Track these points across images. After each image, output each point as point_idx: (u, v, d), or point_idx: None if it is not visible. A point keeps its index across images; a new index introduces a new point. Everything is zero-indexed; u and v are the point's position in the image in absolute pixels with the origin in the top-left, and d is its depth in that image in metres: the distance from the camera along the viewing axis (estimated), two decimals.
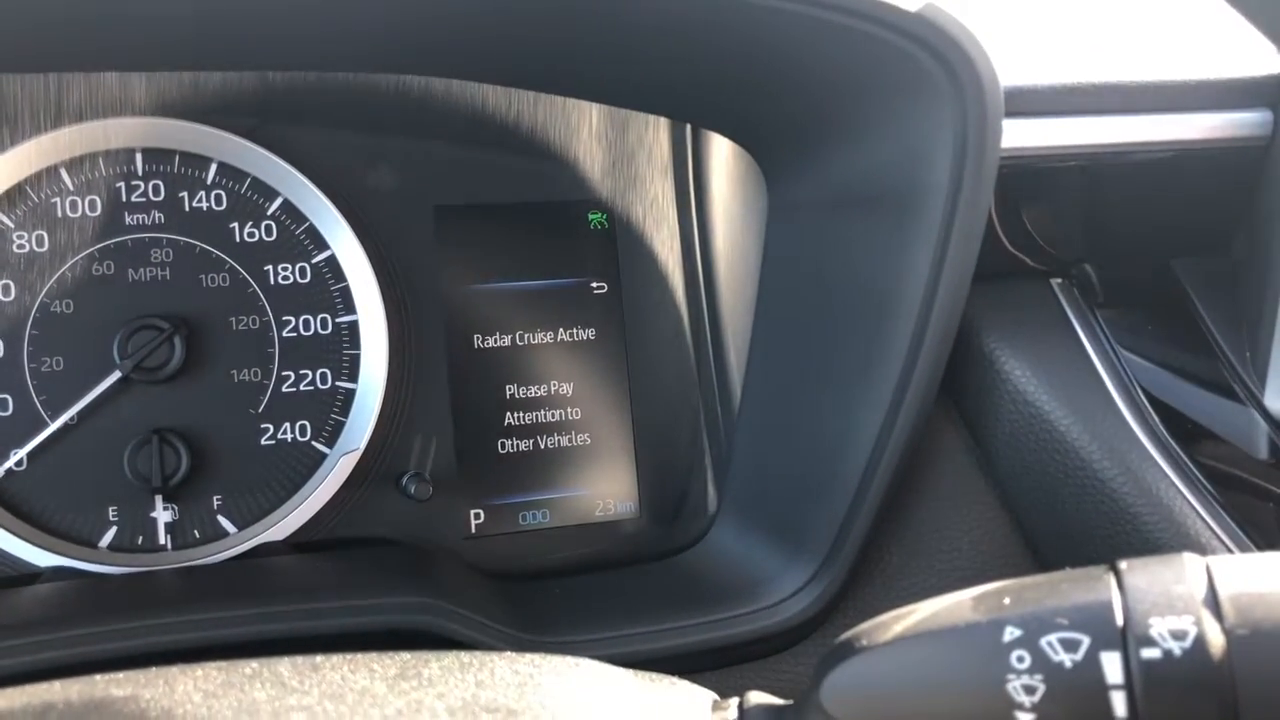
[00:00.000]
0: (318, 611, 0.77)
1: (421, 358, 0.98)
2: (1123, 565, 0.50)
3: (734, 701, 0.55)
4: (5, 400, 0.91)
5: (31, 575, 0.89)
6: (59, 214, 0.92)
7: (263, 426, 0.95)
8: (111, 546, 0.92)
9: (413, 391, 0.98)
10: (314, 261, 0.97)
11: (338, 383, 0.97)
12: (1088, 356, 0.88)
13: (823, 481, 0.87)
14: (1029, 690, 0.47)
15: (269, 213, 0.96)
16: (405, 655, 0.54)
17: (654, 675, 0.57)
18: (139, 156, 0.94)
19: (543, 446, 1.01)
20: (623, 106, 1.00)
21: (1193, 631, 0.46)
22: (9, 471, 0.90)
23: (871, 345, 0.83)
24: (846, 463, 0.84)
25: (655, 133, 1.04)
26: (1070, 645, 0.47)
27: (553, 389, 1.02)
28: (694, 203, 1.04)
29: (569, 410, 1.02)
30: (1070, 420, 0.85)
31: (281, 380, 0.96)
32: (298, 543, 0.94)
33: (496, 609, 0.83)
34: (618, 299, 1.03)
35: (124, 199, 0.93)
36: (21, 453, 0.90)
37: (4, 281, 0.91)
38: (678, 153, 1.04)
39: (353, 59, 0.93)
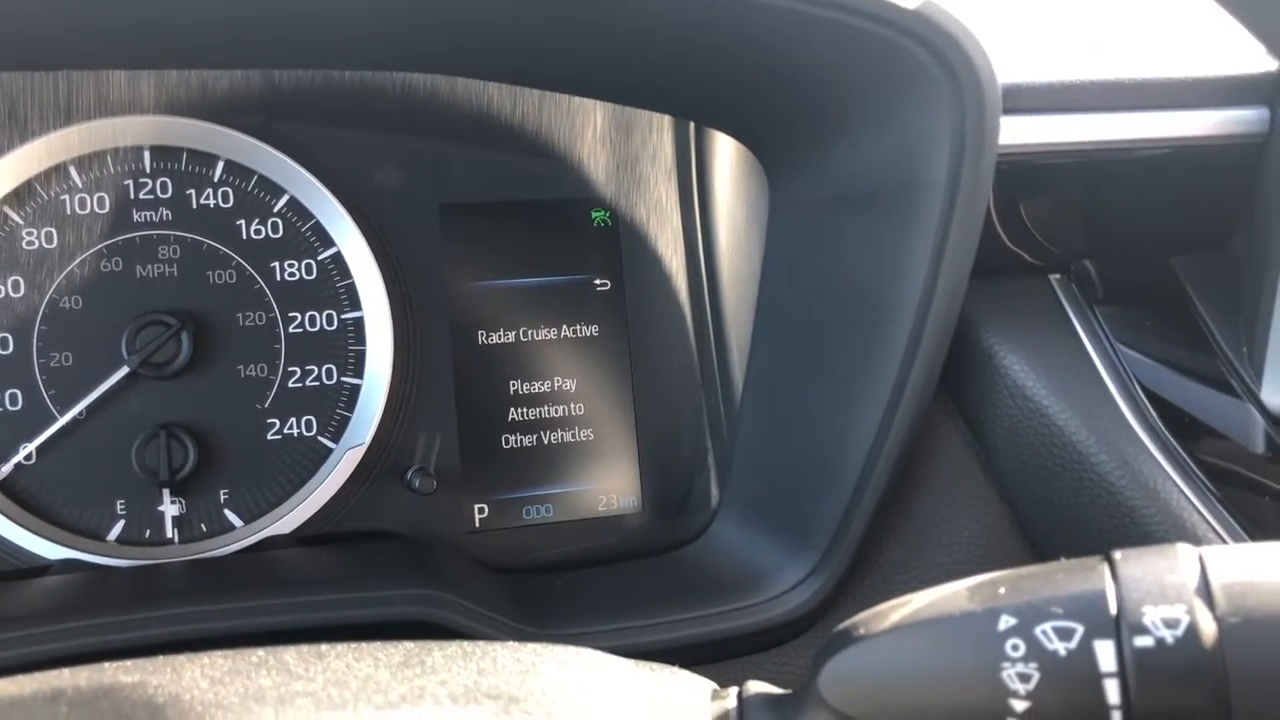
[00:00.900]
0: (322, 603, 0.78)
1: (426, 354, 0.99)
2: (1117, 555, 0.50)
3: (733, 691, 0.55)
4: (15, 395, 0.92)
5: (41, 568, 0.90)
6: (68, 211, 0.93)
7: (269, 421, 0.96)
8: (119, 539, 0.93)
9: (417, 387, 0.99)
10: (320, 258, 0.98)
11: (343, 378, 0.98)
12: (1086, 352, 0.89)
13: (823, 476, 0.87)
14: (1024, 678, 0.47)
15: (276, 210, 0.97)
16: (409, 644, 0.54)
17: (655, 665, 0.57)
18: (147, 154, 0.95)
19: (546, 442, 1.02)
20: (626, 104, 1.01)
21: (1185, 620, 0.47)
22: (18, 465, 0.91)
23: (871, 340, 0.84)
24: (846, 457, 0.85)
25: (660, 134, 1.05)
26: (1064, 634, 0.48)
27: (556, 385, 1.03)
28: (698, 203, 1.05)
29: (572, 406, 1.03)
30: (1068, 415, 0.85)
31: (288, 376, 0.97)
32: (303, 536, 0.95)
33: (500, 601, 0.84)
34: (621, 296, 1.04)
35: (132, 196, 0.94)
36: (31, 447, 0.91)
37: (13, 278, 0.92)
38: (682, 154, 1.05)
39: (359, 58, 0.94)
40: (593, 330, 1.03)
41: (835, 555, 0.85)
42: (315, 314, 0.97)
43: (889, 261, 0.82)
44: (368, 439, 0.96)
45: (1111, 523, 0.82)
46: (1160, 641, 0.46)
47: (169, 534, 0.94)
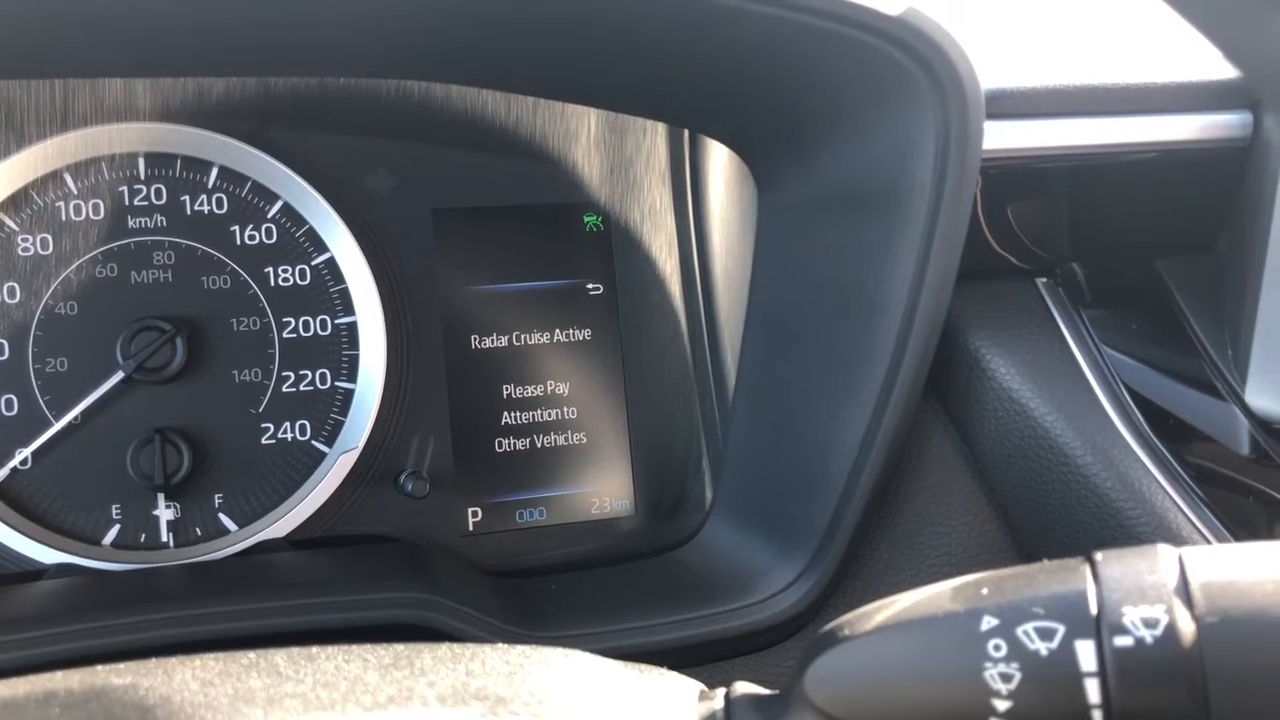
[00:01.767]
0: (316, 606, 0.79)
1: (419, 358, 0.99)
2: (1098, 556, 0.51)
3: (720, 691, 0.56)
4: (10, 400, 0.92)
5: (36, 572, 0.90)
6: (63, 217, 0.94)
7: (263, 426, 0.97)
8: (115, 544, 0.94)
9: (411, 391, 0.99)
10: (313, 264, 0.98)
11: (337, 383, 0.98)
12: (1072, 354, 0.90)
13: (813, 478, 0.88)
14: (1005, 678, 0.48)
15: (269, 216, 0.98)
16: (399, 646, 0.55)
17: (643, 666, 0.58)
18: (141, 161, 0.95)
19: (539, 445, 1.03)
20: (615, 110, 1.02)
21: (1164, 620, 0.47)
22: (14, 470, 0.92)
23: (859, 343, 0.84)
24: (835, 459, 0.85)
25: (653, 138, 1.05)
26: (1046, 634, 0.48)
27: (549, 389, 1.03)
28: (691, 208, 1.05)
29: (565, 410, 1.03)
30: (1054, 417, 0.86)
31: (282, 380, 0.97)
32: (298, 540, 0.96)
33: (492, 604, 0.84)
34: (613, 300, 1.05)
35: (127, 203, 0.95)
36: (26, 452, 0.92)
37: (9, 284, 0.93)
38: (675, 159, 1.06)
39: (353, 66, 0.95)
40: (585, 334, 1.04)
41: (825, 557, 0.85)
42: (309, 319, 0.98)
43: (876, 264, 0.82)
44: (361, 443, 0.96)
45: (1097, 524, 0.83)
46: (1140, 641, 0.47)
47: (164, 538, 0.94)
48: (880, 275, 0.82)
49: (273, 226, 0.98)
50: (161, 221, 0.96)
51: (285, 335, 0.97)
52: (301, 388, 0.97)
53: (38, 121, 0.93)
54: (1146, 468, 0.83)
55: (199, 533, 0.95)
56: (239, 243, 0.97)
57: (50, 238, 0.93)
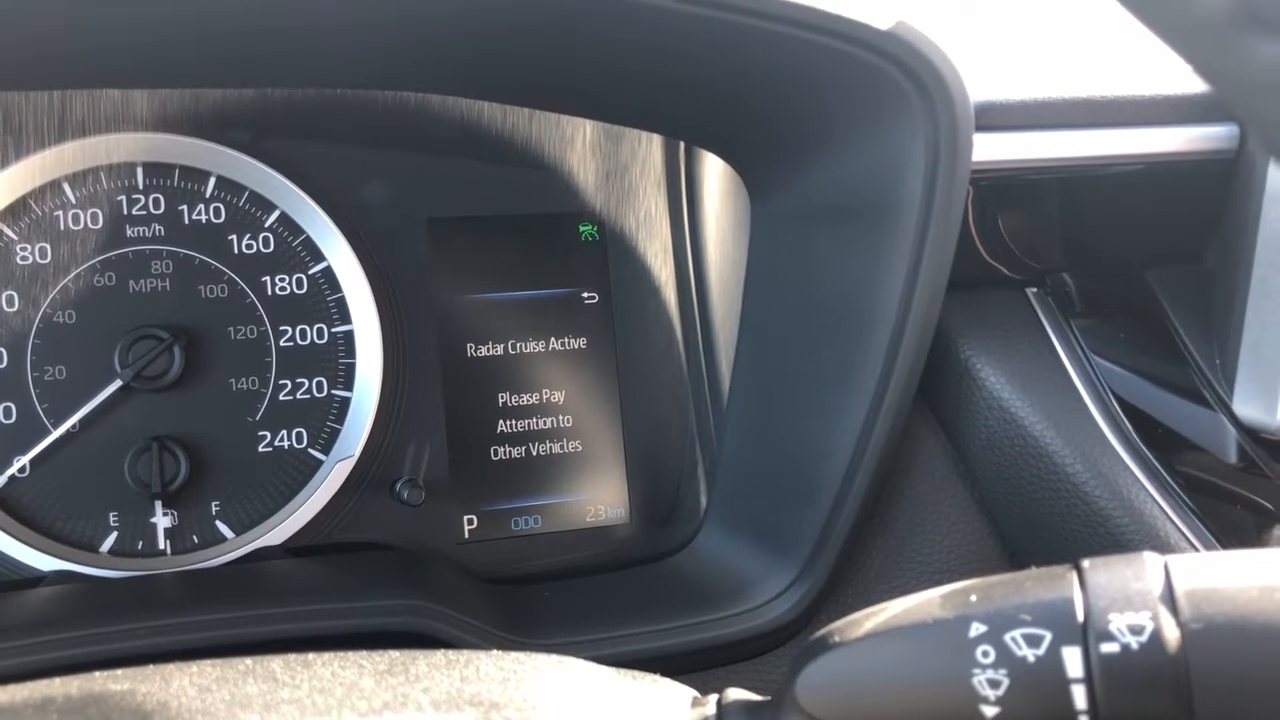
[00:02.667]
0: (312, 614, 0.79)
1: (415, 366, 1.00)
2: (1085, 564, 0.51)
3: (713, 698, 0.56)
4: (9, 408, 0.93)
5: (34, 579, 0.91)
6: (61, 227, 0.94)
7: (260, 434, 0.97)
8: (112, 551, 0.94)
9: (407, 399, 1.00)
10: (310, 273, 0.99)
11: (334, 391, 0.99)
12: (1062, 364, 0.90)
13: (805, 486, 0.89)
14: (993, 684, 0.48)
15: (266, 225, 0.98)
16: (394, 653, 0.55)
17: (636, 673, 0.58)
18: (140, 171, 0.96)
19: (535, 453, 1.03)
20: (609, 121, 1.03)
21: (1149, 626, 0.47)
22: (12, 478, 0.92)
23: (850, 353, 0.85)
24: (827, 468, 0.86)
25: (649, 146, 1.06)
26: (1033, 640, 0.48)
27: (545, 397, 1.04)
28: (686, 216, 1.06)
29: (561, 418, 1.04)
30: (1044, 426, 0.86)
31: (279, 389, 0.98)
32: (294, 547, 0.96)
33: (487, 611, 0.85)
34: (608, 309, 1.05)
35: (125, 212, 0.95)
36: (24, 459, 0.92)
37: (8, 293, 0.93)
38: (671, 167, 1.06)
39: (350, 77, 0.95)
40: (581, 343, 1.05)
41: (817, 565, 0.86)
42: (306, 328, 0.99)
43: (868, 274, 0.83)
44: (358, 451, 0.97)
45: (1087, 532, 0.84)
46: (1125, 647, 0.47)
47: (161, 546, 0.95)
48: (872, 285, 0.83)
49: (270, 236, 0.98)
50: (159, 231, 0.96)
51: (282, 344, 0.98)
52: (298, 396, 0.98)
53: (37, 131, 0.93)
54: (1135, 476, 0.84)
55: (196, 540, 0.96)
56: (236, 252, 0.98)
57: (49, 247, 0.94)
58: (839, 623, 0.54)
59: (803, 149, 0.88)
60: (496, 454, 1.02)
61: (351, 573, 0.92)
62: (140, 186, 0.96)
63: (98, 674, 0.52)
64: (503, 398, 1.03)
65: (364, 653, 0.55)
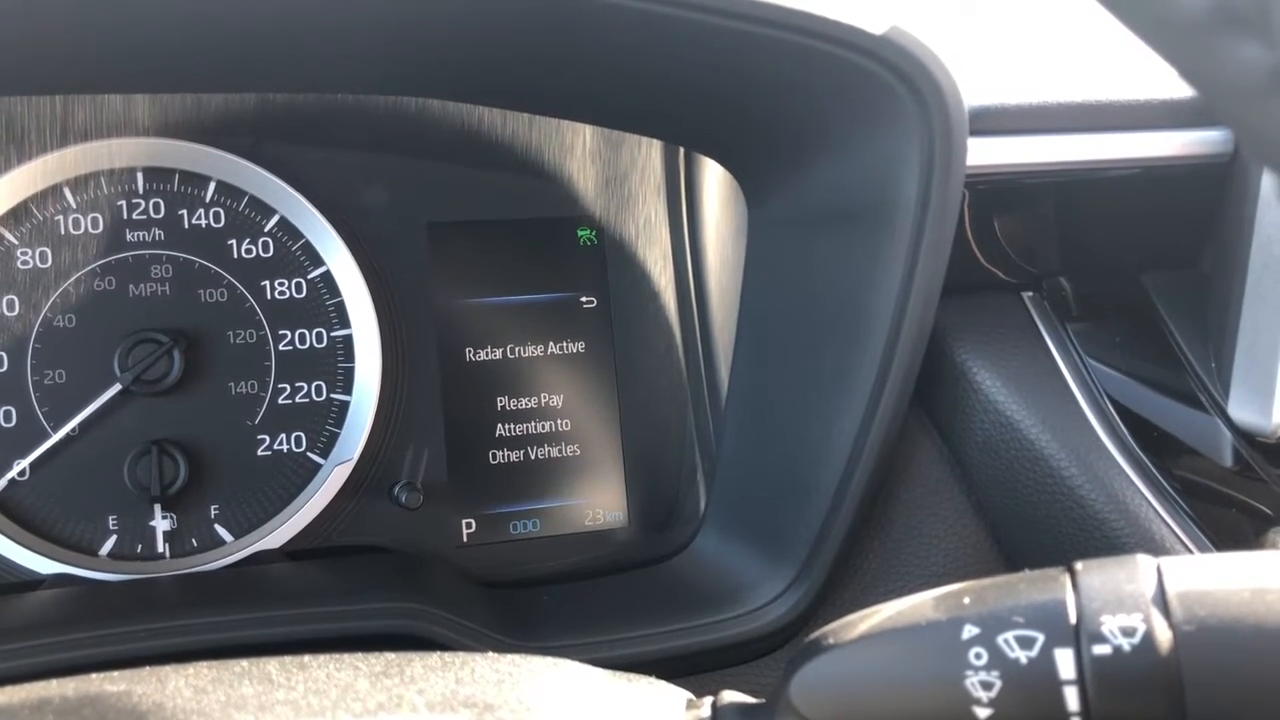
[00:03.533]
0: (310, 617, 0.79)
1: (414, 370, 1.00)
2: (1078, 566, 0.51)
3: (708, 700, 0.56)
4: (9, 412, 0.93)
5: (33, 582, 0.91)
6: (62, 231, 0.95)
7: (259, 437, 0.97)
8: (111, 554, 0.94)
9: (406, 403, 1.00)
10: (310, 277, 0.99)
11: (332, 395, 0.99)
12: (1057, 368, 0.90)
13: (802, 490, 0.89)
14: (986, 686, 0.48)
15: (266, 230, 0.99)
16: (390, 655, 0.55)
17: (631, 675, 0.58)
18: (140, 175, 0.96)
19: (533, 457, 1.03)
20: (605, 126, 1.03)
21: (1142, 628, 0.47)
22: (12, 481, 0.93)
23: (846, 356, 0.85)
24: (824, 471, 0.86)
25: (649, 152, 1.06)
26: (1026, 642, 0.49)
27: (543, 401, 1.04)
28: (686, 222, 1.06)
29: (559, 422, 1.04)
30: (1040, 429, 0.87)
31: (278, 393, 0.98)
32: (293, 551, 0.96)
33: (485, 614, 0.85)
34: (607, 313, 1.05)
35: (125, 217, 0.96)
36: (24, 463, 0.93)
37: (8, 297, 0.93)
38: (670, 172, 1.07)
39: (350, 81, 0.96)
40: (579, 347, 1.05)
41: (814, 568, 0.86)
42: (305, 332, 0.99)
43: (863, 279, 0.83)
44: (356, 455, 0.97)
45: (1082, 535, 0.84)
46: (1118, 649, 0.47)
47: (160, 549, 0.95)
48: (867, 289, 0.83)
49: (269, 240, 0.99)
50: (159, 235, 0.97)
51: (281, 348, 0.98)
52: (297, 400, 0.98)
53: (38, 136, 0.94)
54: (1130, 479, 0.84)
55: (195, 543, 0.96)
56: (236, 256, 0.98)
57: (49, 251, 0.94)
58: (833, 625, 0.54)
59: (798, 153, 0.88)
60: (495, 458, 1.03)
61: (350, 576, 0.92)
62: (140, 191, 0.97)
63: (94, 675, 0.52)
64: (501, 401, 1.03)
65: (360, 655, 0.55)
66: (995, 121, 0.85)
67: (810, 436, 0.89)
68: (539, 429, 1.03)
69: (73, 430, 0.93)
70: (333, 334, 0.99)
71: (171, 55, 0.83)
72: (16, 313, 0.93)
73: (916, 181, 0.77)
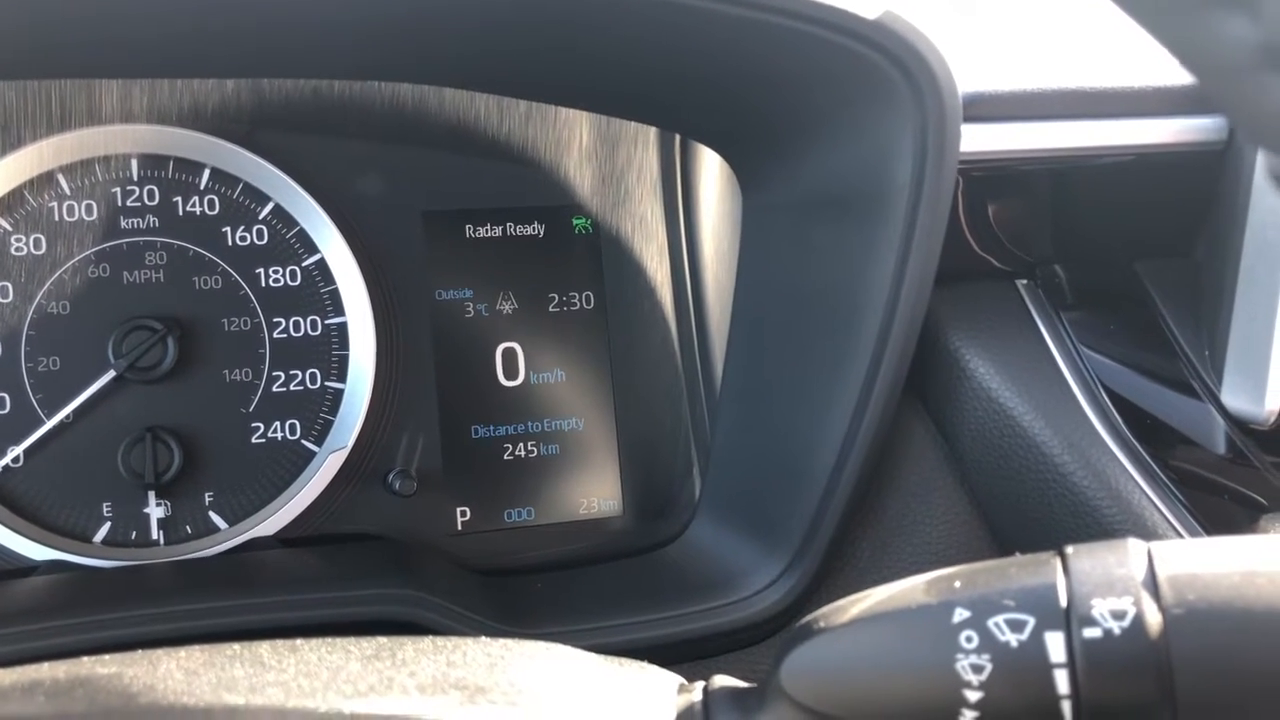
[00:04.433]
0: (304, 603, 0.79)
1: (408, 358, 1.00)
2: (1069, 550, 0.51)
3: (699, 685, 0.56)
4: (3, 399, 0.93)
5: (27, 569, 0.91)
6: (56, 218, 0.95)
7: (253, 425, 0.97)
8: (106, 541, 0.94)
9: (400, 391, 1.00)
10: (304, 265, 0.99)
11: (327, 383, 0.99)
12: (1051, 355, 0.91)
13: (795, 477, 0.89)
14: (977, 669, 0.48)
15: (260, 217, 0.99)
16: (381, 639, 0.55)
17: (623, 660, 0.58)
18: (134, 162, 0.96)
19: (528, 446, 1.03)
20: (600, 112, 1.03)
21: (1132, 611, 0.48)
22: (6, 468, 0.93)
23: (840, 343, 0.85)
24: (817, 458, 0.86)
25: (645, 148, 1.06)
26: (1016, 626, 0.49)
27: (538, 390, 1.04)
28: (683, 218, 1.06)
29: (554, 410, 1.04)
30: (1033, 417, 0.87)
31: (272, 380, 0.98)
32: (287, 538, 0.96)
33: (479, 602, 0.85)
34: (602, 302, 1.05)
35: (119, 203, 0.96)
36: (18, 449, 0.93)
37: (2, 284, 0.93)
38: (667, 168, 1.07)
39: (347, 68, 0.96)
40: (574, 335, 1.05)
41: (807, 555, 0.86)
42: (299, 319, 0.99)
43: (857, 265, 0.83)
44: (350, 442, 0.97)
45: (1075, 521, 0.84)
46: (1108, 633, 0.47)
47: (154, 536, 0.95)
48: (861, 275, 0.83)
49: (264, 228, 0.99)
50: (154, 222, 0.96)
51: (276, 335, 0.98)
52: (291, 387, 0.98)
53: (32, 122, 0.94)
54: (1123, 466, 0.84)
55: (189, 530, 0.96)
56: (230, 243, 0.98)
57: (43, 238, 0.94)
58: (824, 609, 0.54)
59: (792, 139, 0.88)
60: (489, 446, 1.03)
61: (344, 563, 0.92)
62: (135, 178, 0.96)
63: (85, 659, 0.52)
64: (496, 390, 1.03)
65: (351, 639, 0.55)
66: (989, 107, 0.85)
67: (803, 424, 0.89)
68: (534, 418, 1.03)
69: (67, 417, 0.93)
70: (327, 322, 0.99)
71: (167, 42, 0.83)
72: (10, 299, 0.93)
73: (910, 167, 0.77)
